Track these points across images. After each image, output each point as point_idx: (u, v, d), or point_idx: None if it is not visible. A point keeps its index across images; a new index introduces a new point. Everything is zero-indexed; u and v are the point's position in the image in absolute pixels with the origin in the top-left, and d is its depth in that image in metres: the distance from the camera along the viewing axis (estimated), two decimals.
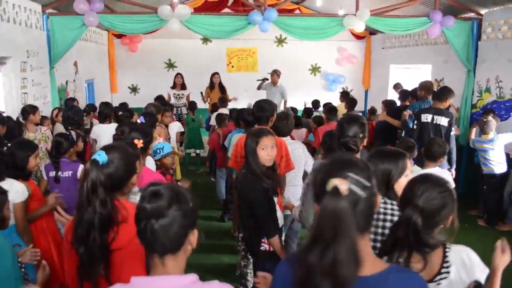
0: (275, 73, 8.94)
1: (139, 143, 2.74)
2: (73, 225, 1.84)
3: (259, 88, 9.25)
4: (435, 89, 6.44)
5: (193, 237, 1.43)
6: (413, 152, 4.37)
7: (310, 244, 1.25)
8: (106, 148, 1.94)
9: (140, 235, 1.39)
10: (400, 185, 2.17)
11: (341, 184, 1.23)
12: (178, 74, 9.31)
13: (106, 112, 5.43)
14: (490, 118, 5.94)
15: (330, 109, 6.45)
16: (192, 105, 8.44)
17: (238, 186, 3.05)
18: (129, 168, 1.97)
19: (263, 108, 3.99)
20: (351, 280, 1.22)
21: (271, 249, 3.00)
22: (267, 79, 9.08)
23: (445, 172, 3.94)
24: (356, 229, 1.24)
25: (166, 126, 6.08)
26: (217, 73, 9.23)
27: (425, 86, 6.20)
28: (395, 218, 2.08)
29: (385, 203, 2.17)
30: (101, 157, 1.84)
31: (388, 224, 2.11)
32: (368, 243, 1.37)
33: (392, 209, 2.15)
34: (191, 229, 1.42)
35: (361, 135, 2.70)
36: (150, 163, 3.50)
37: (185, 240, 1.40)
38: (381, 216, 2.14)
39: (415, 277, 1.39)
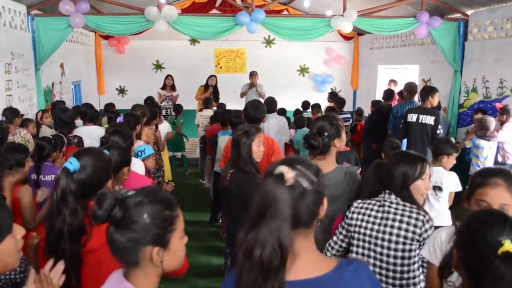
0: (253, 75, 8.65)
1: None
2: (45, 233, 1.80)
3: (242, 96, 8.82)
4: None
5: (156, 256, 1.30)
6: None
7: (247, 225, 1.25)
8: (78, 154, 1.86)
9: None
10: (416, 188, 2.19)
11: (288, 172, 1.23)
12: (168, 75, 9.29)
13: (92, 114, 5.33)
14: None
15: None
16: (177, 108, 8.12)
17: (232, 185, 3.00)
18: (103, 174, 1.89)
19: (258, 108, 3.98)
20: (275, 268, 1.17)
21: None
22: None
23: (450, 174, 3.84)
24: (295, 221, 1.22)
25: (156, 126, 6.01)
26: (214, 76, 9.15)
27: (408, 87, 6.23)
28: (406, 219, 2.10)
29: (397, 203, 2.16)
30: (72, 165, 1.77)
31: (397, 224, 2.11)
32: (312, 240, 1.33)
33: (403, 210, 2.14)
34: (146, 246, 1.30)
35: (326, 133, 2.60)
36: (138, 164, 3.46)
37: (139, 257, 1.30)
38: (391, 216, 2.14)
39: (363, 266, 1.33)
